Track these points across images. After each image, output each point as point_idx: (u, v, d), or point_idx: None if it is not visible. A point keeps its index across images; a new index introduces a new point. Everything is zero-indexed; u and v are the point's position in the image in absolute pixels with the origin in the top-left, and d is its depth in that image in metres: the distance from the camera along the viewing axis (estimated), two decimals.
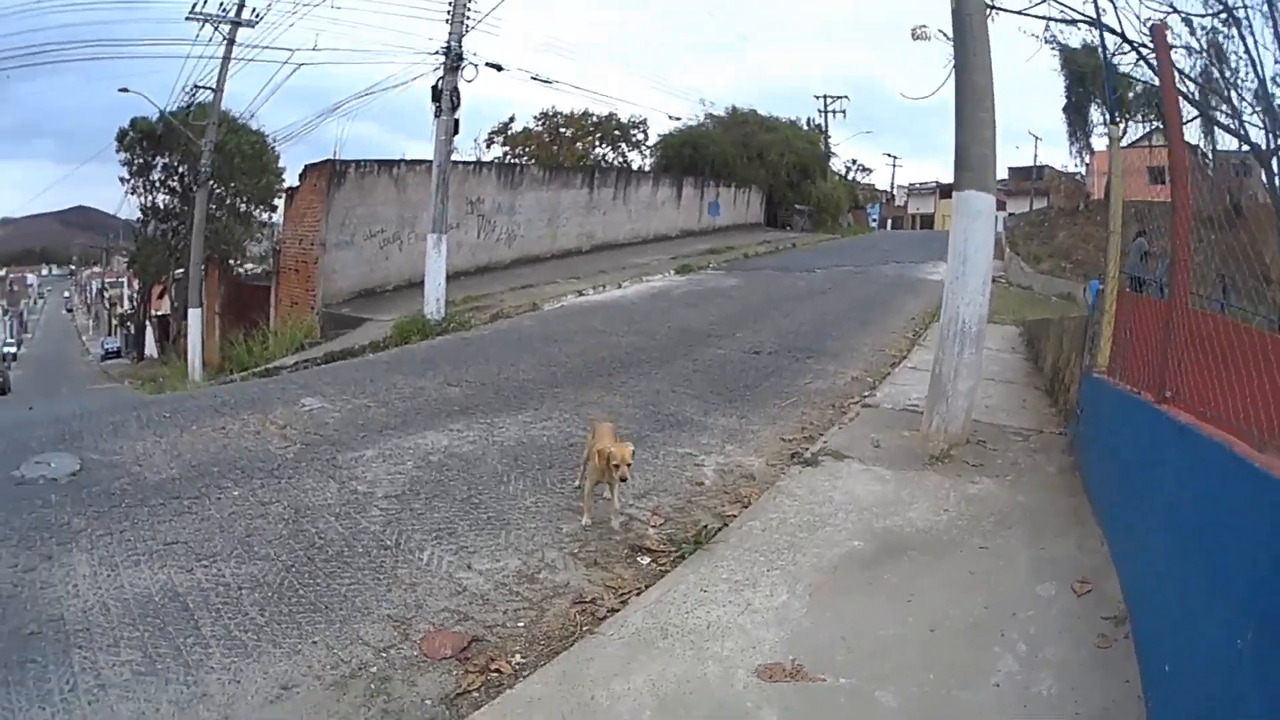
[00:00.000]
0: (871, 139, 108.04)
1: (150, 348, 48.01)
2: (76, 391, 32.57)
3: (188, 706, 3.97)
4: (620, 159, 50.25)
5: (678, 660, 4.21)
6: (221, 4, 24.68)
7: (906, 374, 12.05)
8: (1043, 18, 23.75)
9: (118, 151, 35.07)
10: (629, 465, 5.93)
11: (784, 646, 4.36)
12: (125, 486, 7.11)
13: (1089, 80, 35.23)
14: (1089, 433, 7.81)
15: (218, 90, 25.76)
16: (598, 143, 50.71)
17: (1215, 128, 25.32)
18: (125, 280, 69.07)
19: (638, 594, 5.10)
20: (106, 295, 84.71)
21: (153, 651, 4.45)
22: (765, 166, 47.38)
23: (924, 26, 21.06)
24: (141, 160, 34.92)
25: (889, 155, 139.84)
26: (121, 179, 35.75)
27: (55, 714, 3.91)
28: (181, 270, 32.11)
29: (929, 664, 4.14)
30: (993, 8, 15.69)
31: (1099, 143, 41.38)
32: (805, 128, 55.37)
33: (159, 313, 45.90)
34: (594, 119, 48.86)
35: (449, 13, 18.16)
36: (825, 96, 59.96)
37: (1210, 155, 26.45)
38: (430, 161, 19.20)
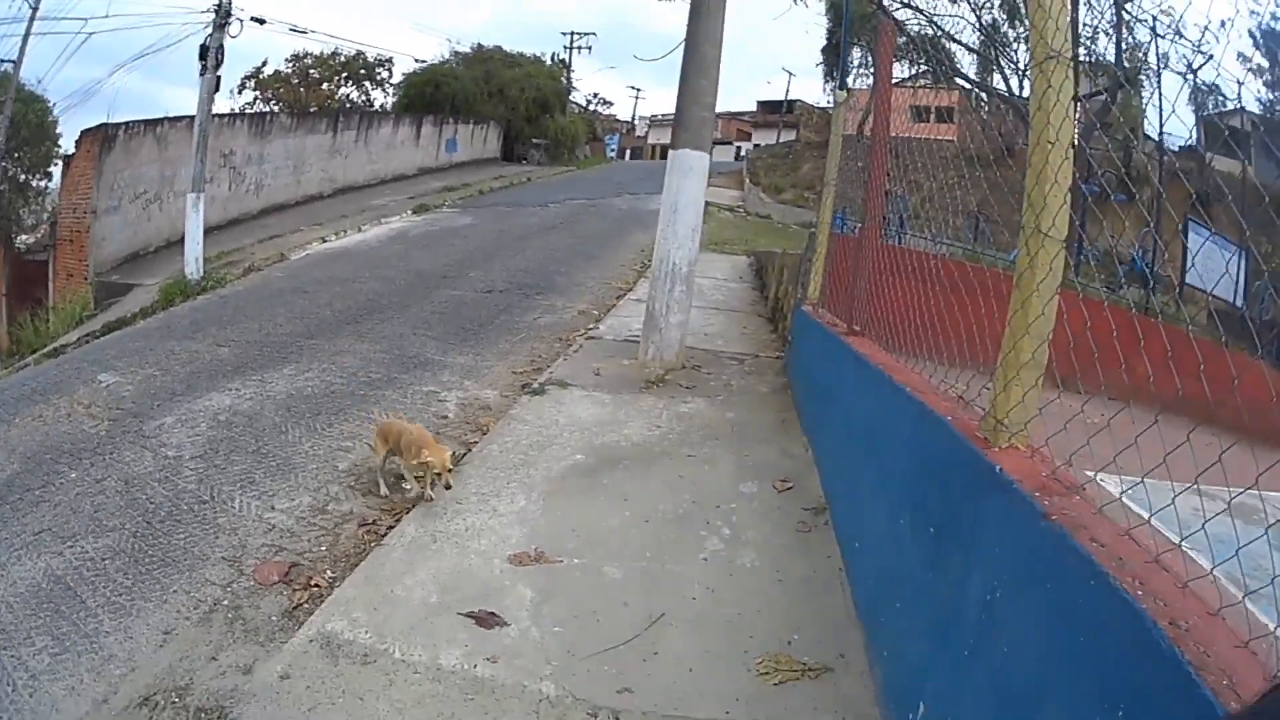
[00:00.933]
0: (620, 72, 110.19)
1: None
2: None
3: (103, 669, 4.53)
4: (364, 99, 49.92)
5: (448, 557, 5.29)
6: None
7: (630, 306, 13.22)
8: None
9: None
10: (450, 471, 6.06)
11: (527, 539, 5.51)
12: None
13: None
14: (797, 357, 9.24)
15: (17, 62, 24.53)
16: (343, 83, 50.12)
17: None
18: None
19: (407, 512, 6.03)
20: None
21: (58, 634, 4.94)
22: (505, 102, 47.26)
23: None
24: None
25: (633, 88, 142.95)
26: None
27: (8, 715, 4.36)
28: None
29: (645, 546, 5.36)
30: None
31: (856, 82, 43.01)
32: (549, 63, 55.51)
33: None
34: (342, 59, 48.41)
35: None
36: (572, 33, 59.96)
37: (985, 99, 28.30)
38: (190, 118, 19.00)
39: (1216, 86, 23.14)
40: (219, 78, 18.05)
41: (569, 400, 8.46)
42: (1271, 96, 26.91)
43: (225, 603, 5.11)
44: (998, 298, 3.72)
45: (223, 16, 17.65)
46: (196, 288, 16.46)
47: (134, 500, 6.62)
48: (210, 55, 17.64)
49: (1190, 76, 22.36)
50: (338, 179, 30.65)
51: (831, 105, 50.96)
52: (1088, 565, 2.41)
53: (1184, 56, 20.71)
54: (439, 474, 5.99)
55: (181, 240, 18.08)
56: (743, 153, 62.70)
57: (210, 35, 17.67)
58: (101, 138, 20.24)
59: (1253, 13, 24.26)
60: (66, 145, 27.46)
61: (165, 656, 4.66)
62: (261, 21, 20.00)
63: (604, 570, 5.12)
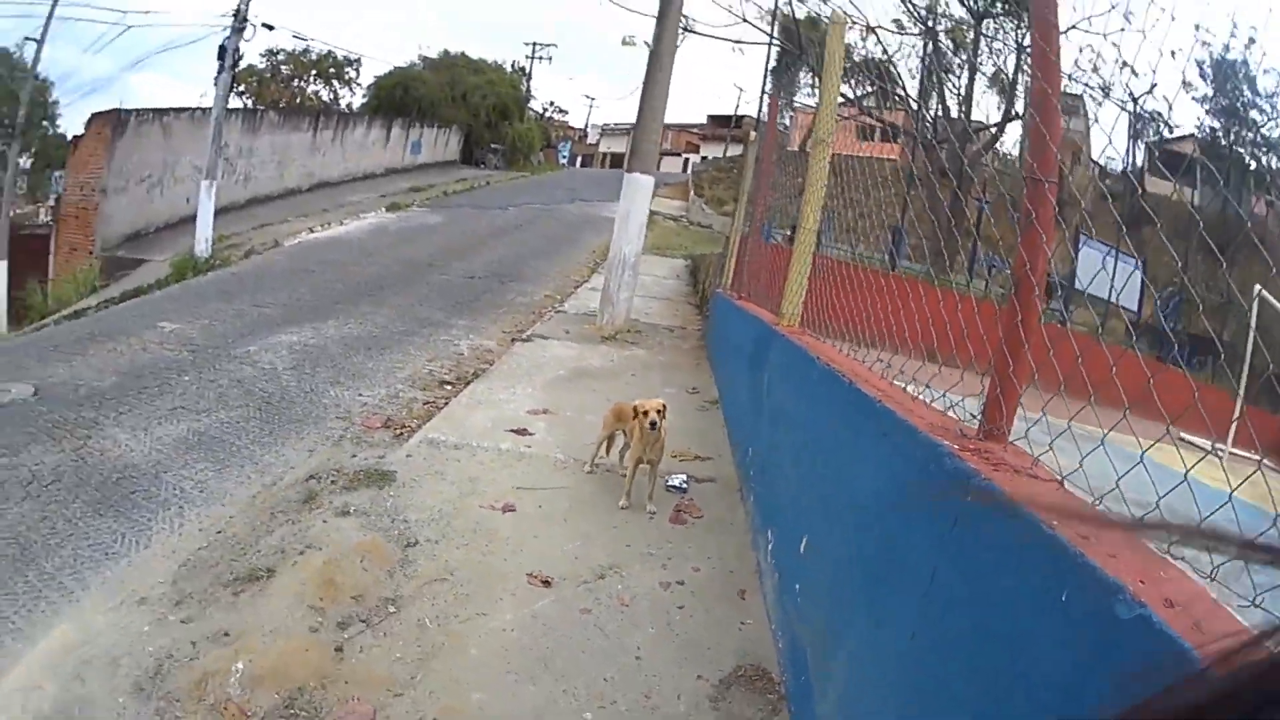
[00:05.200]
0: (577, 82, 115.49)
1: None
2: None
3: (266, 471, 7.00)
4: (332, 97, 52.62)
5: (491, 410, 8.68)
6: None
7: (585, 292, 17.17)
8: (726, 39, 28.35)
9: None
10: (658, 413, 6.35)
11: (536, 404, 9.07)
12: (90, 393, 8.66)
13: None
14: (711, 323, 13.17)
15: (40, 42, 25.99)
16: (312, 80, 52.82)
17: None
18: None
19: (454, 396, 9.28)
20: None
21: (216, 459, 7.13)
22: (468, 107, 49.82)
23: (633, 37, 26.22)
24: None
25: (588, 96, 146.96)
26: None
27: (182, 503, 6.31)
28: None
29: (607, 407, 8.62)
30: (687, 30, 20.21)
31: (803, 100, 45.46)
32: (510, 71, 57.87)
33: None
34: (313, 57, 50.93)
35: None
36: (534, 43, 63.01)
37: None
38: (191, 110, 22.74)
39: (1159, 114, 25.57)
40: (234, 75, 20.88)
41: (548, 346, 12.00)
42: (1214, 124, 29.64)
43: (348, 436, 7.89)
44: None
45: (240, 22, 20.40)
46: (206, 265, 18.91)
47: (249, 391, 9.09)
48: (228, 55, 20.43)
49: (1131, 106, 24.95)
50: (315, 174, 33.21)
51: (781, 122, 53.37)
52: (812, 361, 5.62)
53: (1126, 85, 22.83)
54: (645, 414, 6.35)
55: (180, 223, 21.18)
56: (690, 165, 63.42)
57: (228, 38, 20.40)
58: (113, 121, 22.52)
59: (1205, 44, 27.21)
60: (65, 127, 28.94)
61: (315, 461, 7.15)
62: (271, 27, 22.70)
63: (584, 418, 8.48)
